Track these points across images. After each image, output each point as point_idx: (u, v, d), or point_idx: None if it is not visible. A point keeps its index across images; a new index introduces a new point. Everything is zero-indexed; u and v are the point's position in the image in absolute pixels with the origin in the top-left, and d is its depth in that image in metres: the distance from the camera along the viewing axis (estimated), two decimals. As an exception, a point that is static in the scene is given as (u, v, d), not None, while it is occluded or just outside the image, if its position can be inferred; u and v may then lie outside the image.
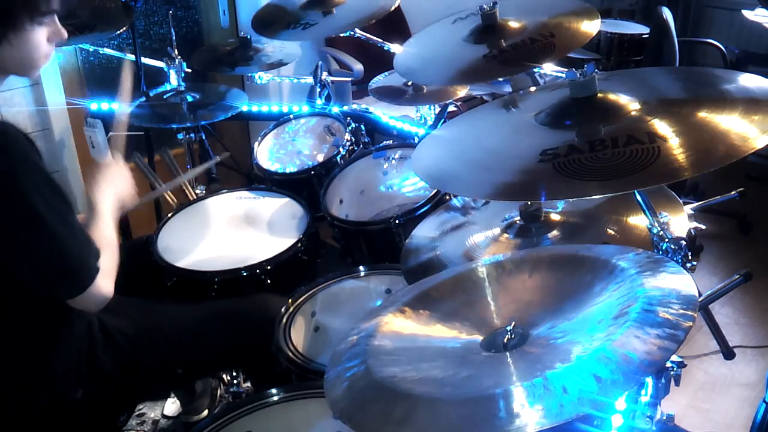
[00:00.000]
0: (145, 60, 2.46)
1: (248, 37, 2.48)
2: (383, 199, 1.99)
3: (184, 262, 1.77)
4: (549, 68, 2.12)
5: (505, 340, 0.91)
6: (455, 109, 2.30)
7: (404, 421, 0.79)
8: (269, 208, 2.00)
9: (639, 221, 1.31)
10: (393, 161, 2.05)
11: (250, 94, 2.39)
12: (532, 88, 1.48)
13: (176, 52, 2.31)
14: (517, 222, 1.43)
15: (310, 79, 2.57)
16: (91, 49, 2.89)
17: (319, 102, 2.50)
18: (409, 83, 2.19)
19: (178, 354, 1.55)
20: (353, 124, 2.22)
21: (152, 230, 1.92)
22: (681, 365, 1.06)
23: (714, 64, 3.86)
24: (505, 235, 1.42)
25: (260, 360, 1.60)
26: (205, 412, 2.03)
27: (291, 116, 2.43)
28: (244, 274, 1.72)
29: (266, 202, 2.03)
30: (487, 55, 1.58)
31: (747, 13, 3.77)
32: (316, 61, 2.62)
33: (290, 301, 1.62)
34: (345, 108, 2.51)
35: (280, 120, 2.42)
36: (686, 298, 0.83)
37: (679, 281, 0.87)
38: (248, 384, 1.88)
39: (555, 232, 1.38)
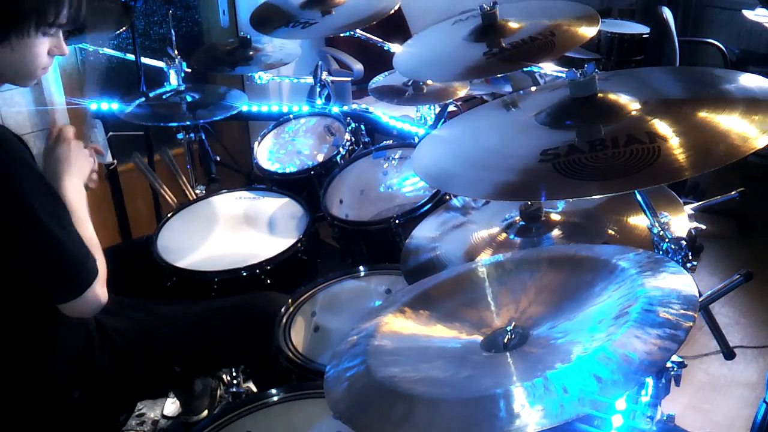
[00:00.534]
0: (145, 60, 2.46)
1: (248, 36, 2.48)
2: (383, 199, 1.98)
3: (183, 262, 1.77)
4: (549, 68, 2.12)
5: (505, 341, 0.91)
6: (455, 109, 2.30)
7: (404, 421, 0.79)
8: (269, 208, 2.00)
9: (639, 221, 1.31)
10: (393, 161, 2.05)
11: (250, 94, 2.38)
12: (532, 88, 1.49)
13: (176, 52, 2.31)
14: (517, 222, 1.43)
15: (310, 79, 2.57)
16: (91, 49, 2.88)
17: (319, 102, 2.49)
18: (409, 83, 2.19)
19: (175, 352, 1.55)
20: (353, 124, 2.22)
21: (152, 230, 1.92)
22: (681, 365, 1.06)
23: (714, 64, 3.86)
24: (505, 235, 1.42)
25: (259, 357, 1.60)
26: (205, 413, 2.04)
27: (291, 116, 2.43)
28: (244, 274, 1.72)
29: (266, 202, 2.03)
30: (487, 53, 1.58)
31: (747, 13, 3.77)
32: (316, 61, 2.62)
33: (290, 301, 1.62)
34: (345, 108, 2.51)
35: (279, 120, 2.42)
36: (686, 298, 0.83)
37: (679, 281, 0.87)
38: (248, 384, 1.88)
39: (555, 232, 1.38)
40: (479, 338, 0.96)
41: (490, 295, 1.05)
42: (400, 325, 1.02)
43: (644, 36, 3.68)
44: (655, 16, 3.24)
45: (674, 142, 0.96)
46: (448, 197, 1.75)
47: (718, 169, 0.90)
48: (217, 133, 2.84)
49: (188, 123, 2.28)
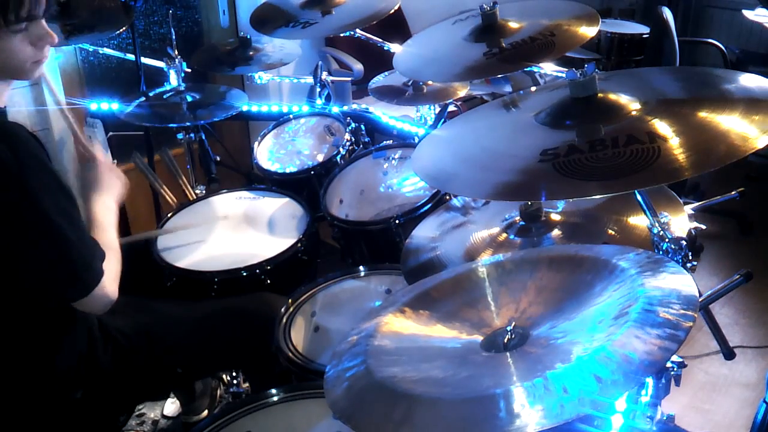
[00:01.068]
0: (145, 60, 2.46)
1: (248, 36, 2.48)
2: (383, 199, 1.98)
3: (183, 262, 1.77)
4: (549, 68, 2.12)
5: (506, 341, 0.91)
6: (455, 109, 2.30)
7: (404, 421, 0.79)
8: (269, 208, 2.00)
9: (639, 221, 1.31)
10: (393, 161, 2.05)
11: (250, 94, 2.38)
12: (532, 88, 1.49)
13: (176, 52, 2.31)
14: (517, 222, 1.43)
15: (310, 79, 2.57)
16: (91, 49, 2.89)
17: (319, 102, 2.50)
18: (409, 83, 2.19)
19: (177, 353, 1.55)
20: (353, 124, 2.22)
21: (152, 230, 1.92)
22: (681, 365, 1.06)
23: (714, 64, 3.86)
24: (505, 235, 1.42)
25: (260, 359, 1.60)
26: (205, 413, 2.04)
27: (291, 116, 2.43)
28: (244, 274, 1.72)
29: (266, 202, 2.03)
30: (487, 53, 1.58)
31: (747, 13, 3.76)
32: (316, 60, 2.62)
33: (290, 301, 1.62)
34: (345, 108, 2.51)
35: (279, 120, 2.42)
36: (687, 298, 0.83)
37: (679, 281, 0.87)
38: (248, 384, 1.88)
39: (555, 232, 1.38)
40: (479, 338, 0.96)
41: (490, 295, 1.05)
42: (400, 325, 1.02)
43: (644, 36, 3.68)
44: (655, 16, 3.24)
45: (674, 142, 0.96)
46: (448, 197, 1.75)
47: (718, 169, 0.90)
48: (217, 133, 2.84)
49: (188, 123, 2.28)
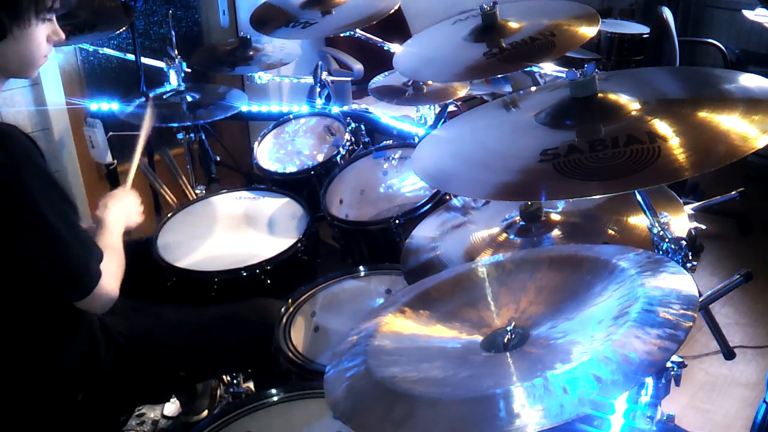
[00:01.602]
0: (145, 60, 2.46)
1: (248, 37, 2.48)
2: (383, 199, 1.98)
3: (183, 262, 1.77)
4: (549, 68, 2.12)
5: (505, 341, 0.91)
6: (455, 109, 2.30)
7: (404, 421, 0.79)
8: (269, 208, 2.00)
9: (639, 221, 1.31)
10: (393, 161, 2.05)
11: (250, 94, 2.38)
12: (532, 88, 1.48)
13: (176, 52, 2.31)
14: (517, 222, 1.43)
15: (310, 79, 2.57)
16: (91, 49, 2.88)
17: (319, 102, 2.49)
18: (409, 83, 2.19)
19: (179, 357, 1.56)
20: (353, 124, 2.22)
21: (152, 230, 1.92)
22: (681, 365, 1.06)
23: (714, 64, 3.86)
24: (505, 235, 1.42)
25: (259, 364, 1.60)
26: (205, 413, 2.04)
27: (291, 116, 2.43)
28: (244, 274, 1.71)
29: (266, 202, 2.03)
30: (487, 53, 1.58)
31: (747, 13, 3.76)
32: (316, 61, 2.62)
33: (290, 301, 1.62)
34: (345, 108, 2.51)
35: (279, 120, 2.42)
36: (686, 298, 0.83)
37: (679, 281, 0.87)
38: (248, 384, 1.88)
39: (555, 232, 1.38)
40: (479, 338, 0.95)
41: (490, 295, 1.05)
42: (400, 325, 1.02)
43: (644, 36, 3.68)
44: (655, 16, 3.24)
45: (674, 142, 0.96)
46: (448, 197, 1.74)
47: (718, 169, 0.90)
48: (217, 133, 2.84)
49: (188, 123, 2.28)
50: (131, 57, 2.43)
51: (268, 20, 2.30)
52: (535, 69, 2.04)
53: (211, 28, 3.50)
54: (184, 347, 1.56)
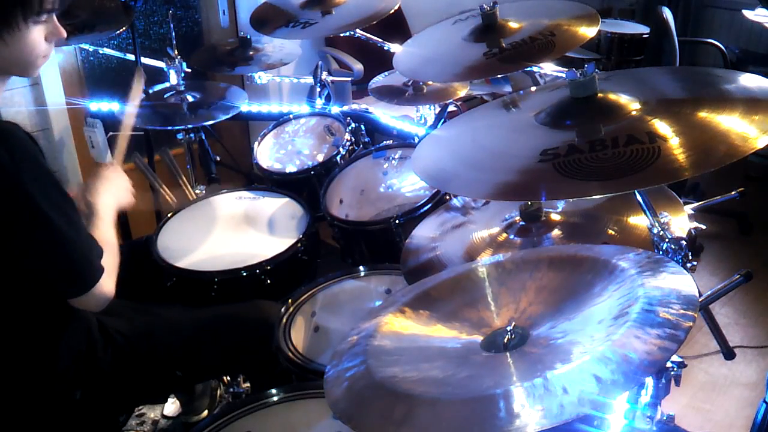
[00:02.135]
0: (145, 60, 2.46)
1: (248, 36, 2.47)
2: (383, 199, 1.98)
3: (183, 262, 1.77)
4: (549, 68, 2.12)
5: (505, 341, 0.91)
6: (455, 109, 2.30)
7: (404, 421, 0.79)
8: (269, 208, 2.00)
9: (639, 221, 1.31)
10: (393, 161, 2.05)
11: (250, 94, 2.38)
12: (532, 88, 1.49)
13: (176, 52, 2.31)
14: (518, 222, 1.43)
15: (310, 79, 2.57)
16: (91, 49, 2.89)
17: (319, 102, 2.49)
18: (409, 83, 2.19)
19: (177, 357, 1.55)
20: (353, 124, 2.22)
21: (152, 230, 1.92)
22: (681, 365, 1.06)
23: (714, 64, 3.86)
24: (505, 235, 1.42)
25: (258, 365, 1.60)
26: (205, 413, 2.04)
27: (291, 116, 2.43)
28: (244, 274, 1.71)
29: (266, 202, 2.03)
30: (487, 53, 1.58)
31: (747, 13, 3.76)
32: (316, 61, 2.62)
33: (290, 301, 1.62)
34: (345, 108, 2.51)
35: (279, 120, 2.42)
36: (686, 298, 0.83)
37: (679, 281, 0.87)
38: (248, 384, 1.88)
39: (555, 232, 1.38)
40: (479, 338, 0.96)
41: (490, 295, 1.05)
42: (400, 325, 1.02)
43: (644, 36, 3.68)
44: (655, 16, 3.24)
45: (674, 142, 0.96)
46: (448, 197, 1.75)
47: (718, 169, 0.90)
48: (217, 133, 2.84)
49: (189, 126, 2.28)
50: (131, 57, 2.43)
51: (268, 20, 2.30)
52: (535, 69, 2.04)
53: (211, 28, 3.50)
54: (183, 347, 1.56)
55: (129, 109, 1.89)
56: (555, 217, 1.41)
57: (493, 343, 0.93)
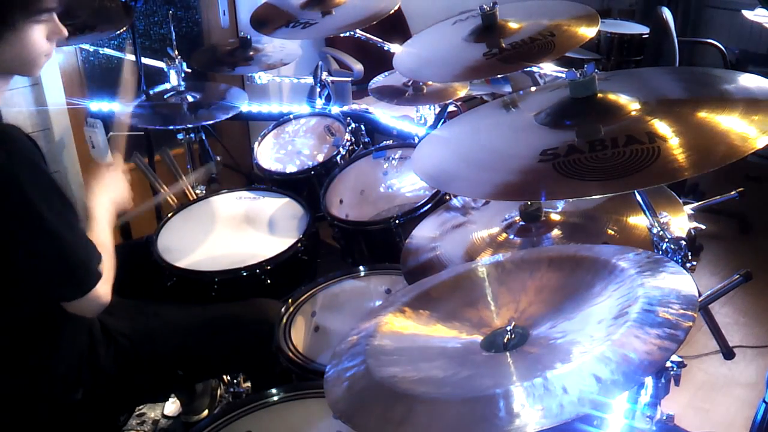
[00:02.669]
0: (145, 60, 2.46)
1: (248, 37, 2.48)
2: (383, 199, 1.99)
3: (184, 262, 1.77)
4: (549, 68, 2.12)
5: (505, 340, 0.91)
6: (455, 109, 2.29)
7: (404, 421, 0.79)
8: (269, 208, 2.00)
9: (639, 221, 1.31)
10: (393, 161, 2.05)
11: (250, 95, 2.38)
12: (532, 88, 1.49)
13: (176, 52, 2.31)
14: (518, 222, 1.43)
15: (310, 79, 2.57)
16: (91, 49, 2.88)
17: (319, 102, 2.50)
18: (409, 83, 2.19)
19: (178, 356, 1.56)
20: (353, 124, 2.22)
21: (152, 230, 1.92)
22: (681, 365, 1.06)
23: (714, 64, 3.86)
24: (505, 235, 1.42)
25: (259, 364, 1.60)
26: (205, 412, 2.04)
27: (291, 116, 2.43)
28: (244, 274, 1.72)
29: (266, 202, 2.03)
30: (487, 53, 1.58)
31: (747, 13, 3.77)
32: (316, 61, 2.62)
33: (290, 301, 1.62)
34: (345, 108, 2.51)
35: (280, 120, 2.42)
36: (686, 298, 0.83)
37: (679, 281, 0.87)
38: (248, 384, 1.89)
39: (555, 232, 1.38)
40: (479, 338, 0.96)
41: (490, 295, 1.05)
42: (400, 325, 1.02)
43: (644, 36, 3.68)
44: (655, 16, 3.24)
45: (674, 142, 0.97)
46: (448, 197, 1.75)
47: (717, 169, 0.91)
48: (217, 133, 2.84)
49: (189, 126, 2.28)
50: (131, 57, 2.43)
51: (268, 20, 2.30)
52: (534, 69, 2.04)
53: (211, 28, 3.50)
54: (183, 347, 1.56)
55: (122, 105, 1.89)
56: (555, 217, 1.41)
57: (493, 343, 0.93)
